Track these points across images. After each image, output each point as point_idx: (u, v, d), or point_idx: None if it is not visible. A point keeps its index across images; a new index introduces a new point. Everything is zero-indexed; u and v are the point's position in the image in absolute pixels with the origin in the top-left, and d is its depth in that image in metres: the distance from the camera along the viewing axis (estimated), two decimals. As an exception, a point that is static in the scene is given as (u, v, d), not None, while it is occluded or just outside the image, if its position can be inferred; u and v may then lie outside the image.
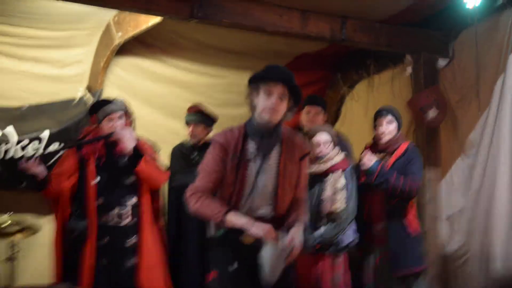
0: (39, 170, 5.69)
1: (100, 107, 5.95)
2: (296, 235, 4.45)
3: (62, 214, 5.84)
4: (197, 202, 4.46)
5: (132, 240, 5.85)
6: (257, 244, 4.40)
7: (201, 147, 7.01)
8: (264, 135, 4.50)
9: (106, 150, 5.89)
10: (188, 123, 7.13)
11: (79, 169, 5.86)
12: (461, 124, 7.77)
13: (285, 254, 4.37)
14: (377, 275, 6.34)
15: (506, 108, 7.18)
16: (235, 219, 4.37)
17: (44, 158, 7.22)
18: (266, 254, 4.34)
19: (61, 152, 6.88)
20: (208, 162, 4.51)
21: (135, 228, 5.90)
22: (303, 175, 4.70)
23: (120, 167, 5.91)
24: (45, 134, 7.50)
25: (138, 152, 5.85)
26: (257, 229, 4.33)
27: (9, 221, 6.45)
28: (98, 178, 5.81)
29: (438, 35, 7.93)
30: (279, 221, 4.55)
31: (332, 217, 6.12)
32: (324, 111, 6.90)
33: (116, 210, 5.81)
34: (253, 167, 4.49)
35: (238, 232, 4.42)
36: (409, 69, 8.18)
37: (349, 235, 6.20)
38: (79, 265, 5.68)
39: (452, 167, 7.80)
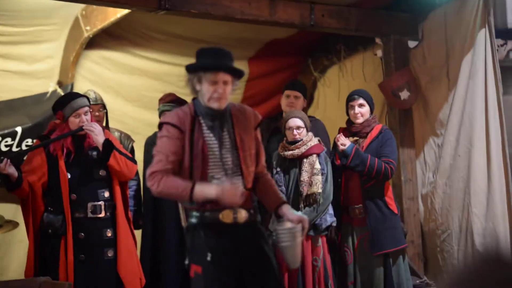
0: (11, 171, 5.59)
1: (65, 103, 5.87)
2: (299, 216, 4.48)
3: (35, 211, 5.79)
4: (159, 184, 4.34)
5: (108, 232, 5.83)
6: (236, 223, 4.43)
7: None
8: (213, 117, 4.49)
9: (74, 144, 5.84)
10: (164, 112, 7.07)
11: (48, 165, 5.79)
12: (432, 105, 7.82)
13: (298, 234, 4.38)
14: (357, 256, 6.38)
15: (478, 84, 7.23)
16: (204, 188, 4.31)
17: (18, 154, 7.19)
18: (283, 243, 4.37)
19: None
20: (163, 144, 4.42)
21: (110, 221, 5.87)
22: (260, 144, 4.70)
23: (91, 161, 5.86)
24: (18, 130, 7.47)
25: (107, 146, 5.82)
26: (230, 198, 4.30)
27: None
28: (69, 175, 5.76)
29: (407, 17, 7.95)
30: (251, 194, 4.58)
31: (309, 200, 6.17)
32: (304, 96, 6.91)
33: (90, 204, 5.78)
34: (211, 143, 4.45)
35: (214, 212, 4.41)
36: (379, 52, 8.22)
37: (326, 219, 6.25)
38: (56, 260, 5.66)
39: (424, 148, 7.85)
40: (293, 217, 4.47)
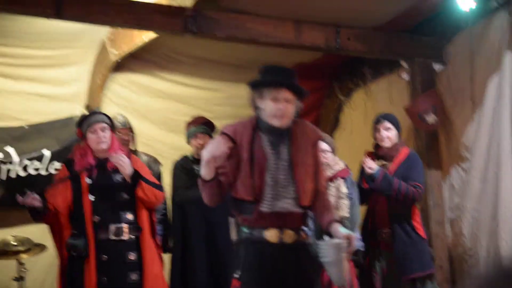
0: (36, 203, 5.57)
1: (83, 120, 5.90)
2: (347, 233, 4.40)
3: (62, 234, 5.78)
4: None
5: (132, 256, 5.82)
6: (281, 243, 4.38)
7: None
8: (272, 132, 4.45)
9: (97, 165, 5.85)
10: (195, 135, 7.06)
11: (72, 188, 5.78)
12: (457, 128, 7.79)
13: (343, 251, 4.30)
14: (385, 281, 6.35)
15: (506, 106, 7.18)
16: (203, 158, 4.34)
17: (46, 177, 7.25)
18: (327, 258, 4.29)
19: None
20: (218, 147, 4.35)
21: (134, 244, 5.86)
22: (319, 162, 4.63)
23: (114, 184, 5.86)
24: (46, 154, 7.53)
25: (135, 178, 5.82)
26: (212, 149, 4.30)
27: (15, 242, 6.48)
28: (93, 197, 5.76)
29: (432, 40, 7.95)
30: (304, 214, 4.52)
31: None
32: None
33: (112, 226, 5.77)
34: (269, 160, 4.41)
35: (261, 229, 4.38)
36: (405, 75, 8.20)
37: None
38: (82, 283, 5.65)
39: (450, 172, 7.81)
40: (340, 233, 4.40)
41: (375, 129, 6.55)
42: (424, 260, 6.36)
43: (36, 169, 7.50)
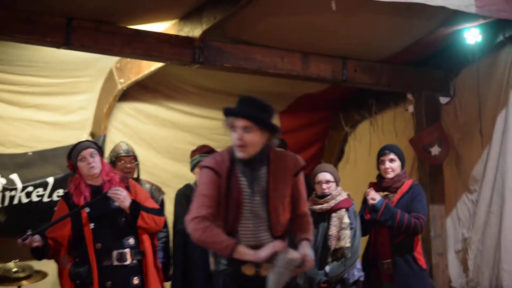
0: (37, 242, 5.56)
1: (71, 152, 5.89)
2: (307, 250, 4.40)
3: (66, 264, 5.79)
4: (203, 233, 4.30)
5: (136, 280, 5.79)
6: (258, 276, 4.35)
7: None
8: (247, 164, 4.42)
9: (92, 192, 5.82)
10: (199, 163, 7.04)
11: (71, 218, 5.73)
12: (464, 161, 7.80)
13: (292, 266, 4.29)
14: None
15: (510, 140, 7.21)
16: (244, 251, 4.28)
17: (48, 204, 7.24)
18: (276, 267, 4.26)
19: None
20: (205, 188, 4.38)
21: (137, 268, 5.84)
22: (301, 190, 4.59)
23: (113, 209, 5.81)
24: (50, 181, 7.52)
25: (134, 209, 5.79)
26: (265, 250, 4.27)
27: (15, 268, 6.45)
28: (93, 225, 5.74)
29: (439, 73, 7.97)
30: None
31: (337, 255, 6.14)
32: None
33: (115, 252, 5.74)
34: (244, 194, 4.39)
35: (238, 263, 4.36)
36: (410, 108, 8.22)
37: (354, 274, 6.22)
38: None
39: (457, 204, 7.81)
40: (301, 250, 4.40)
41: (380, 161, 6.55)
42: (425, 291, 6.36)
43: (39, 196, 7.48)
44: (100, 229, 5.75)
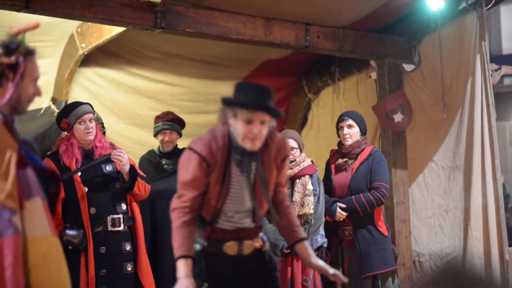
0: None
1: (70, 110, 5.86)
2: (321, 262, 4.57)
3: (57, 227, 5.71)
4: (177, 227, 4.18)
5: (127, 246, 5.82)
6: (240, 254, 4.31)
7: (171, 154, 6.99)
8: (245, 153, 4.21)
9: (84, 156, 5.81)
10: (162, 130, 7.02)
11: (63, 181, 5.57)
12: (428, 128, 7.85)
13: None
14: (347, 277, 6.37)
15: (475, 110, 7.28)
16: (180, 267, 4.12)
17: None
18: None
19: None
20: (193, 174, 4.16)
21: (129, 234, 5.86)
22: (283, 174, 4.45)
23: (105, 174, 5.83)
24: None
25: (133, 174, 5.80)
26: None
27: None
28: (86, 189, 5.72)
29: (402, 40, 7.98)
30: (259, 227, 4.43)
31: (300, 221, 6.14)
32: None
33: (109, 218, 5.75)
34: (234, 183, 4.25)
35: (220, 242, 4.30)
36: (373, 75, 8.23)
37: (317, 240, 6.25)
38: (77, 277, 5.56)
39: (424, 171, 7.86)
40: (330, 270, 4.52)
41: (338, 127, 6.57)
42: (385, 258, 6.40)
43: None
44: (94, 194, 5.75)
